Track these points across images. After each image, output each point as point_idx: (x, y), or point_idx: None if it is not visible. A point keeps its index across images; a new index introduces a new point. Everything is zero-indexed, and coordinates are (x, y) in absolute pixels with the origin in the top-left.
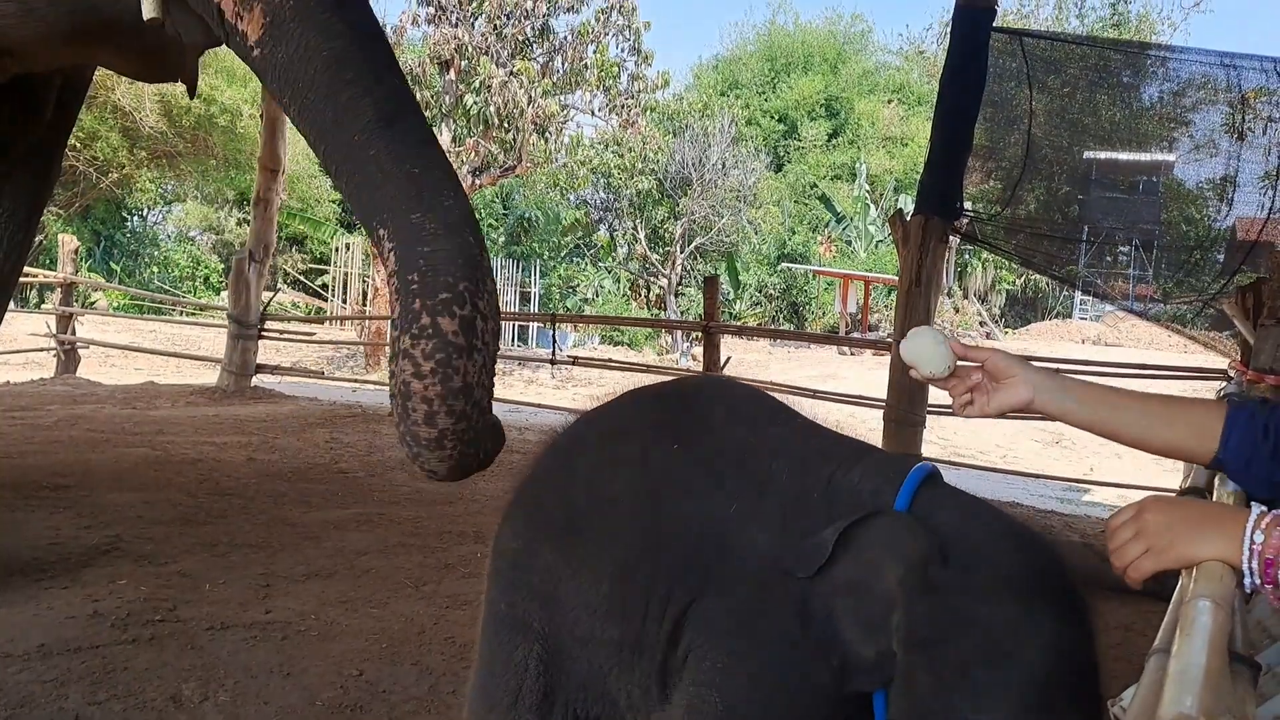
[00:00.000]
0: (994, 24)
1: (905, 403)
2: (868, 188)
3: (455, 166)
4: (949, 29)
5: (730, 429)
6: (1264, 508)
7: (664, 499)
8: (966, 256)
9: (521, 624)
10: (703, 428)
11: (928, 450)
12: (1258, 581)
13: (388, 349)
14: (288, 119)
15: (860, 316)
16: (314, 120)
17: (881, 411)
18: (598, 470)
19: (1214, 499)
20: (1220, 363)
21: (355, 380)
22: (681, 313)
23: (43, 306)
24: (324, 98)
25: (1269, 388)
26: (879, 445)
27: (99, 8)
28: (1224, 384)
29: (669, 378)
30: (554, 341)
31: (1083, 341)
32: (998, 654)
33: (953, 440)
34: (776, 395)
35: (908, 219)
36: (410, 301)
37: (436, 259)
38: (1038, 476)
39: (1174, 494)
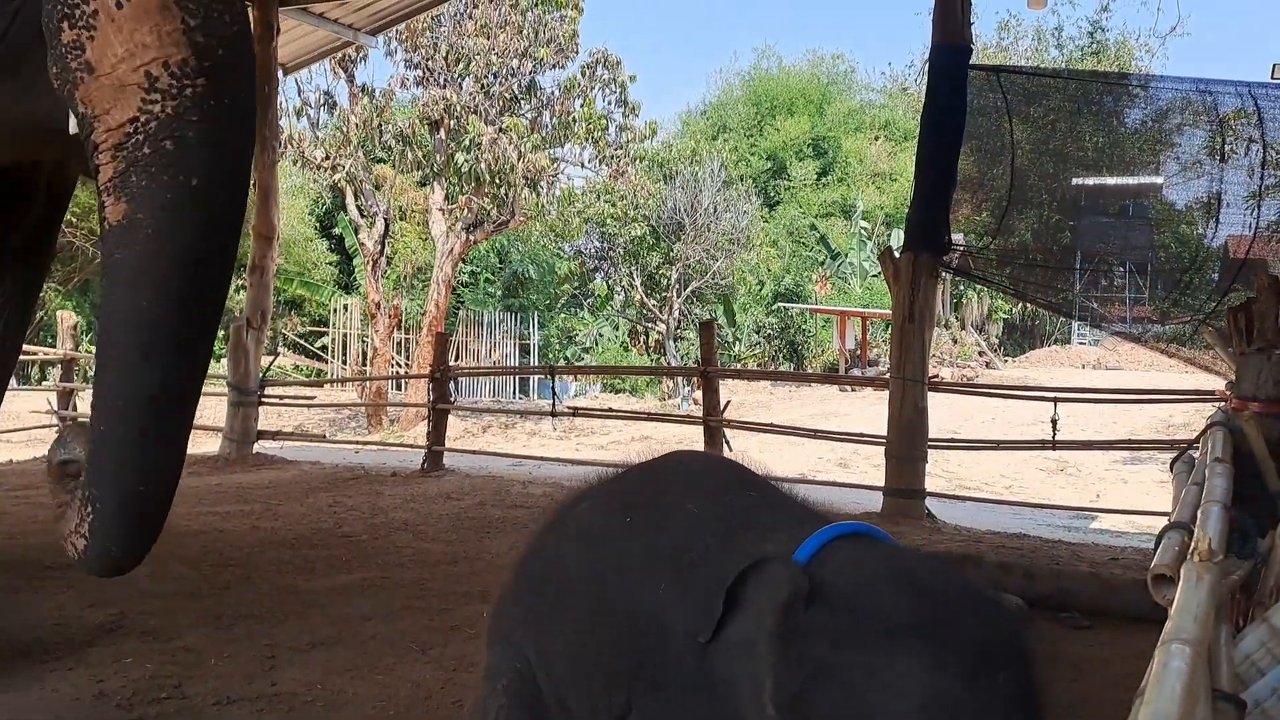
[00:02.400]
0: (971, 59)
1: (906, 438)
2: (864, 224)
3: (450, 224)
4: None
5: (681, 504)
6: None
7: (609, 580)
8: (961, 287)
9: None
10: (656, 505)
11: (931, 484)
12: None
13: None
14: (279, 186)
15: (859, 352)
16: (108, 346)
17: (883, 448)
18: (558, 549)
19: (1193, 539)
20: (1219, 383)
21: (357, 442)
22: (682, 357)
23: (44, 383)
24: (128, 344)
25: (1251, 415)
26: (880, 482)
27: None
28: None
29: (669, 424)
30: (554, 393)
31: (1083, 366)
32: (858, 708)
33: (956, 473)
34: (777, 437)
35: (897, 256)
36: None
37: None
38: (1043, 506)
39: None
